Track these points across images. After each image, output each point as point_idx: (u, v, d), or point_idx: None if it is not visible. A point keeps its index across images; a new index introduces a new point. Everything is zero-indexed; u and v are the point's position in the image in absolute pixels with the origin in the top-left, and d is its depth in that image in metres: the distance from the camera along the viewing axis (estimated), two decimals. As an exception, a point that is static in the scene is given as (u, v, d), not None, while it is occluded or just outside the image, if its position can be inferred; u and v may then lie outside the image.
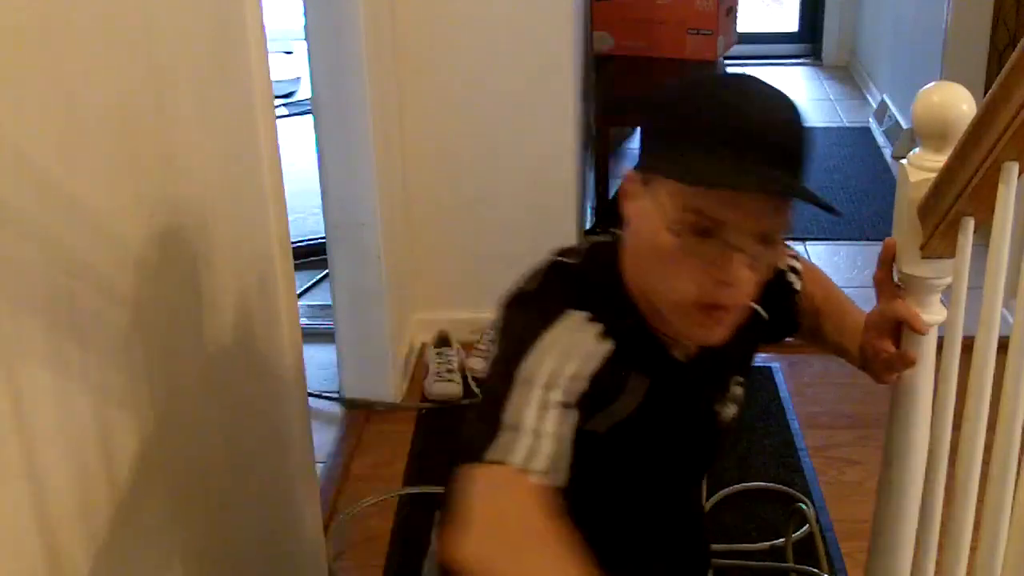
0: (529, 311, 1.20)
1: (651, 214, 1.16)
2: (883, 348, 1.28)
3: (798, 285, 1.42)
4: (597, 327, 1.18)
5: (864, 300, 1.36)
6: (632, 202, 1.20)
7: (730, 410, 1.37)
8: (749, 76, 1.19)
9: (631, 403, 1.23)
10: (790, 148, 1.14)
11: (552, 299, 1.20)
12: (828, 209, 1.15)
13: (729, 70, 1.15)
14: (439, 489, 1.86)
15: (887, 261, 1.27)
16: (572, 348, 1.15)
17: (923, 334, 1.25)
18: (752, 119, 1.12)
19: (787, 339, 1.47)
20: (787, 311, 1.42)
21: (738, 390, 1.38)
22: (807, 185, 1.16)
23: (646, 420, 1.24)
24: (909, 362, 1.27)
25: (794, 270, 1.42)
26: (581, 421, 1.13)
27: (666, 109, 1.18)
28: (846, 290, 1.48)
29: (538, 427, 1.08)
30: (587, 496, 1.22)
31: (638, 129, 1.26)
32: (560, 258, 1.28)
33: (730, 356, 1.33)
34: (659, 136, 1.18)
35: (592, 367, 1.15)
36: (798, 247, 3.57)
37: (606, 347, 1.17)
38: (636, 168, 1.21)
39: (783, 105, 1.15)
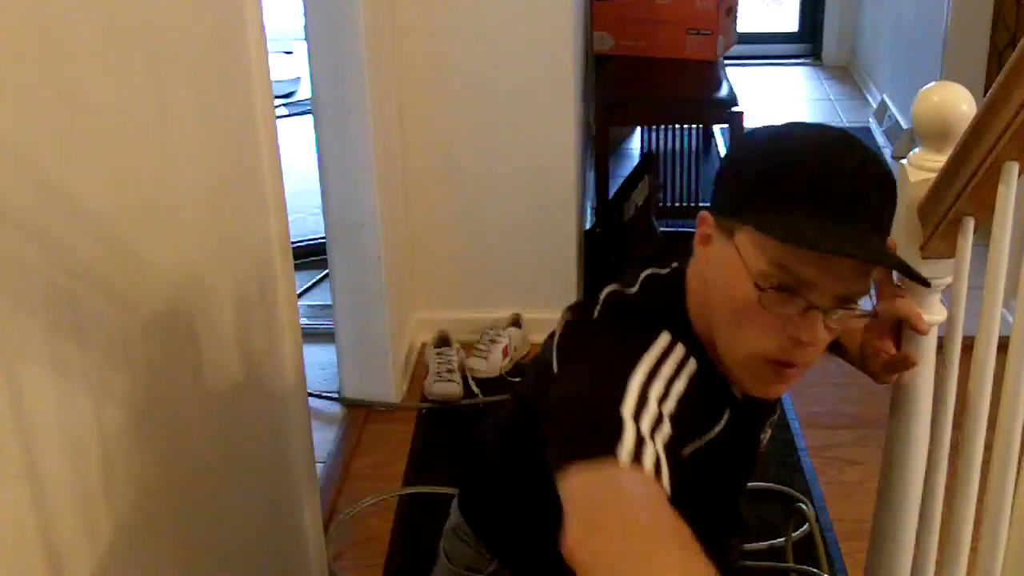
0: (607, 338, 1.19)
1: (732, 263, 1.14)
2: (883, 348, 1.27)
3: None
4: (681, 349, 1.17)
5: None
6: (709, 247, 1.18)
7: (767, 435, 1.40)
8: (848, 134, 1.17)
9: (715, 429, 1.23)
10: (884, 213, 1.14)
11: (629, 325, 1.20)
12: (919, 280, 1.17)
13: (822, 125, 1.13)
14: (439, 489, 1.86)
15: None
16: (671, 370, 1.14)
17: (924, 334, 1.25)
18: (855, 180, 1.11)
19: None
20: None
21: (775, 416, 1.40)
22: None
23: (721, 448, 1.24)
24: (910, 363, 1.27)
25: None
26: (675, 442, 1.10)
27: (760, 160, 1.16)
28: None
29: (649, 436, 1.05)
30: None
31: (718, 172, 1.23)
32: (616, 287, 1.28)
33: None
34: (751, 186, 1.15)
35: (682, 388, 1.14)
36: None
37: (692, 366, 1.17)
38: (716, 211, 1.19)
39: (881, 169, 1.14)
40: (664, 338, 1.18)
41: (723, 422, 1.24)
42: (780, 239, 1.09)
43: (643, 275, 1.30)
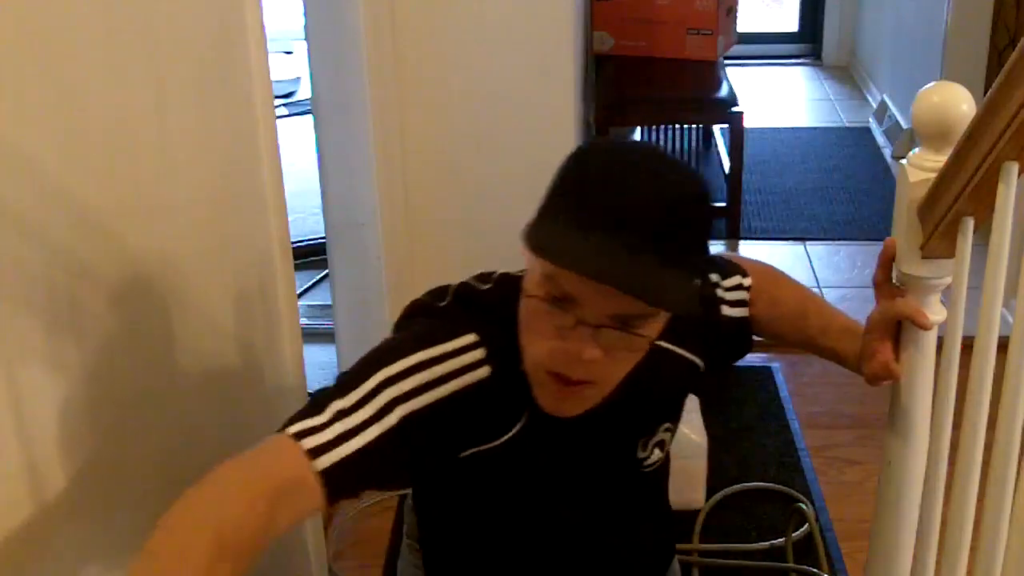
0: (429, 321, 1.20)
1: (527, 270, 1.13)
2: (882, 350, 1.26)
3: (741, 312, 1.40)
4: (480, 352, 1.16)
5: (865, 300, 1.36)
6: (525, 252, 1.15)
7: (654, 455, 1.35)
8: (647, 149, 1.14)
9: (501, 439, 1.20)
10: (674, 243, 1.07)
11: (451, 317, 1.20)
12: (680, 311, 1.09)
13: (648, 145, 1.10)
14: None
15: (887, 262, 1.26)
16: (443, 368, 1.14)
17: (928, 328, 1.24)
18: (638, 201, 1.05)
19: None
20: (734, 341, 1.42)
21: (664, 435, 1.36)
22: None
23: (521, 458, 1.22)
24: (895, 377, 1.26)
25: (738, 302, 1.40)
26: (433, 438, 1.13)
27: (559, 170, 1.14)
28: (846, 290, 1.48)
29: (354, 422, 1.08)
30: (476, 518, 1.30)
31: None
32: (470, 281, 1.27)
33: (655, 405, 1.33)
34: (544, 198, 1.14)
35: (453, 389, 1.14)
36: (798, 247, 3.57)
37: (481, 373, 1.16)
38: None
39: (684, 195, 1.08)
40: (466, 339, 1.17)
41: (513, 433, 1.20)
42: (531, 250, 1.08)
43: (501, 274, 1.28)
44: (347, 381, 1.12)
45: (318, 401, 1.11)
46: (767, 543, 2.27)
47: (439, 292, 1.29)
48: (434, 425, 1.13)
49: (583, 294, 1.06)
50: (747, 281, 1.42)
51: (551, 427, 1.20)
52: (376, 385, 1.11)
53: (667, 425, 1.36)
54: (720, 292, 1.39)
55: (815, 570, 2.18)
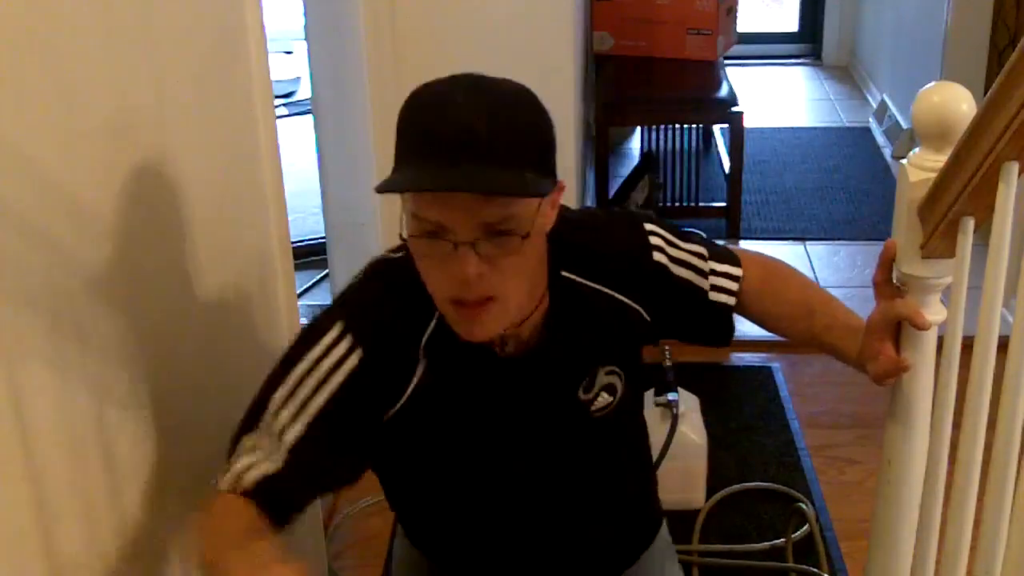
0: (309, 324, 1.30)
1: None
2: (883, 351, 1.27)
3: (724, 299, 1.43)
4: (347, 341, 1.25)
5: (865, 299, 1.36)
6: None
7: (600, 399, 1.37)
8: (463, 76, 1.22)
9: (401, 393, 1.28)
10: (502, 144, 1.14)
11: (330, 309, 1.30)
12: (514, 192, 1.15)
13: (463, 76, 1.19)
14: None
15: (887, 262, 1.27)
16: (320, 371, 1.24)
17: (926, 329, 1.24)
18: (459, 118, 1.14)
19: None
20: (708, 322, 1.44)
21: (610, 378, 1.38)
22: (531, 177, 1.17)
23: (435, 403, 1.29)
24: (904, 368, 1.27)
25: (722, 289, 1.43)
26: (344, 424, 1.25)
27: (399, 115, 1.21)
28: (846, 290, 1.49)
29: (273, 446, 1.22)
30: (430, 478, 1.38)
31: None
32: (387, 253, 1.34)
33: (588, 346, 1.35)
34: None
35: (336, 383, 1.24)
36: (798, 247, 3.57)
37: (353, 359, 1.24)
38: None
39: (496, 103, 1.17)
40: (333, 334, 1.25)
41: (415, 384, 1.28)
42: (377, 190, 1.16)
43: None
44: (249, 414, 1.26)
45: (233, 445, 1.25)
46: (767, 543, 2.27)
47: (362, 269, 1.37)
48: (339, 415, 1.24)
49: (446, 217, 1.14)
50: (738, 272, 1.44)
51: (452, 367, 1.29)
52: (274, 411, 1.24)
53: (610, 368, 1.38)
54: (699, 263, 1.41)
55: (815, 570, 2.19)
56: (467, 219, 1.13)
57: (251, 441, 1.23)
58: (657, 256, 1.39)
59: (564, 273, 1.33)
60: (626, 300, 1.37)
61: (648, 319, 1.39)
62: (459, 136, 1.13)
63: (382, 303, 1.29)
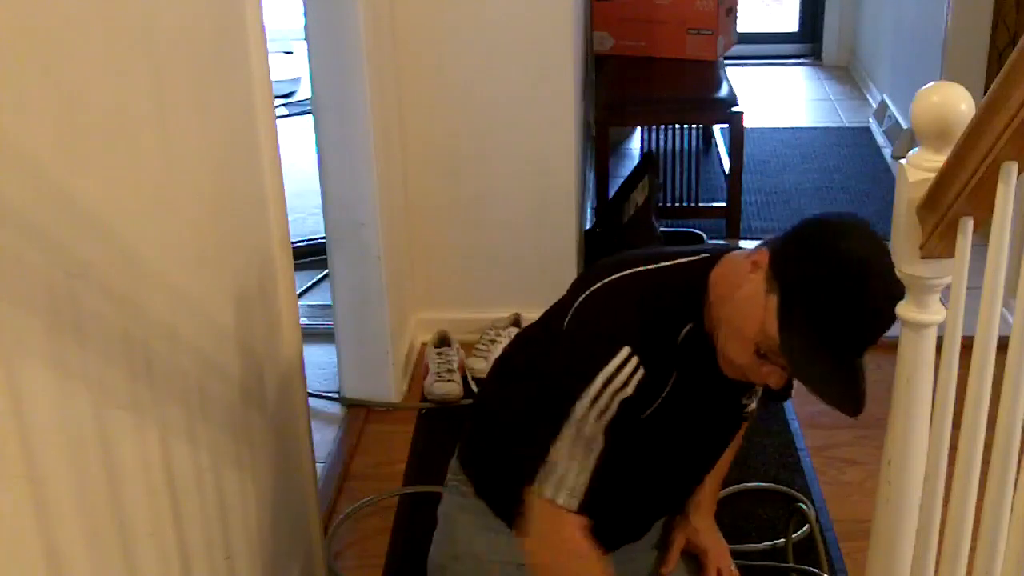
0: (594, 333, 1.55)
1: (754, 312, 1.44)
2: (677, 540, 1.82)
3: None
4: (633, 362, 1.48)
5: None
6: (752, 282, 1.45)
7: (752, 403, 1.74)
8: (895, 283, 1.32)
9: (654, 400, 1.53)
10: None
11: (614, 326, 1.53)
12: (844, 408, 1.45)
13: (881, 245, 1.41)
14: (439, 489, 1.87)
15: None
16: (614, 386, 1.48)
17: None
18: (876, 332, 1.40)
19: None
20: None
21: (758, 389, 1.73)
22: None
23: (666, 411, 1.54)
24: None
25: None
26: (625, 422, 1.50)
27: (825, 287, 1.40)
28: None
29: (581, 463, 1.50)
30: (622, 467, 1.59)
31: (792, 242, 1.49)
32: (640, 267, 1.59)
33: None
34: (804, 296, 1.40)
35: (626, 395, 1.48)
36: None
37: (638, 377, 1.49)
38: (774, 262, 1.44)
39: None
40: (621, 356, 1.49)
41: (664, 395, 1.53)
42: (788, 370, 1.47)
43: (676, 254, 1.60)
44: (546, 419, 1.52)
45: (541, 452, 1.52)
46: (767, 543, 2.27)
47: (611, 265, 1.62)
48: (624, 415, 1.50)
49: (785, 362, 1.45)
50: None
51: (690, 386, 1.56)
52: (581, 415, 1.49)
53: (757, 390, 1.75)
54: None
55: (815, 570, 2.19)
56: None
57: (561, 446, 1.50)
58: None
59: None
60: None
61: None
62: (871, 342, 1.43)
63: (652, 323, 1.53)
